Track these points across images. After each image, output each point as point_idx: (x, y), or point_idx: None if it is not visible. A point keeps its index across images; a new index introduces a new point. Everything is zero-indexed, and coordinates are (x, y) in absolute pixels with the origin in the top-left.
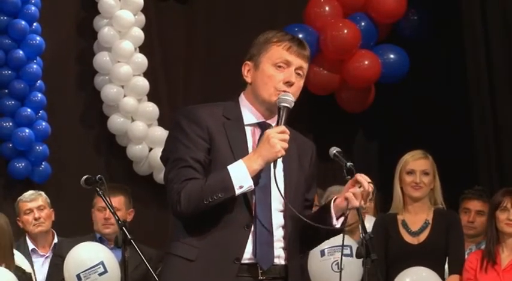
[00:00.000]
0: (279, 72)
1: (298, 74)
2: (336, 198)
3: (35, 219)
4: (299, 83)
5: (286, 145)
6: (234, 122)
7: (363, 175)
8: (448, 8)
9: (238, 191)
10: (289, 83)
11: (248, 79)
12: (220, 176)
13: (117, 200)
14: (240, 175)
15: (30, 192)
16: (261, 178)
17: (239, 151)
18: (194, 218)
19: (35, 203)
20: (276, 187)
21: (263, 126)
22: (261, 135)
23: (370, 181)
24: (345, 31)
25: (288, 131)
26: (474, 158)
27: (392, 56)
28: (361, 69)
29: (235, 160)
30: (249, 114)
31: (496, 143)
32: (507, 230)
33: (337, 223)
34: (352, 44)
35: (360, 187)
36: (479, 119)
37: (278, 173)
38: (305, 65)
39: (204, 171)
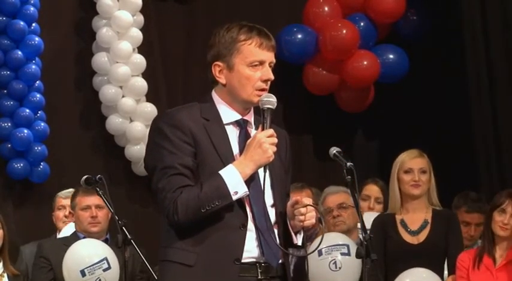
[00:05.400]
0: (255, 71)
1: (270, 67)
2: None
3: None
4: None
5: (275, 149)
6: (214, 123)
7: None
8: (448, 8)
9: (234, 197)
10: (267, 81)
11: (222, 80)
12: (215, 184)
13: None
14: (234, 181)
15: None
16: (251, 176)
17: (224, 151)
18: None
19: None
20: (268, 189)
21: (241, 123)
22: (241, 134)
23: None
24: (344, 31)
25: (275, 134)
26: (474, 158)
27: (391, 56)
28: (361, 70)
29: (221, 160)
30: (227, 113)
31: (496, 143)
32: (500, 233)
33: (298, 241)
34: (351, 44)
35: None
36: (479, 119)
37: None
38: (274, 57)
39: (193, 176)
